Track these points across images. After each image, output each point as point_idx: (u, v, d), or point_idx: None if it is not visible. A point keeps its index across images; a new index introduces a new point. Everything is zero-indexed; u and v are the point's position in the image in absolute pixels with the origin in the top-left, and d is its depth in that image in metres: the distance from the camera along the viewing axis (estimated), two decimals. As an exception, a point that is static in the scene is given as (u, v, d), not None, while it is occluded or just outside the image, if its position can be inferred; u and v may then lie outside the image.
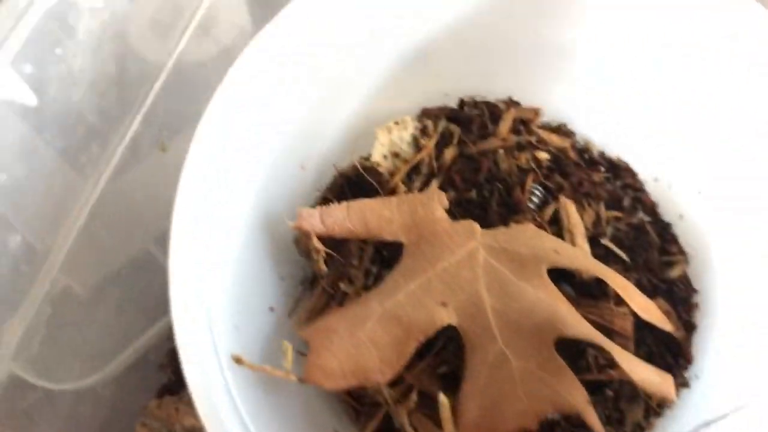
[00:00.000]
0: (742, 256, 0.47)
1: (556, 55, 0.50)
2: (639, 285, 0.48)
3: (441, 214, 0.46)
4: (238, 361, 0.38)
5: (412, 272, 0.43)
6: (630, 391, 0.46)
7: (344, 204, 0.44)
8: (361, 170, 0.47)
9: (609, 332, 0.44)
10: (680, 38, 0.45)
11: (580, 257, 0.45)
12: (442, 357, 0.44)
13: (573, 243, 0.48)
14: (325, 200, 0.49)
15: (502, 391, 0.39)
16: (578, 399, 0.39)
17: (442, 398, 0.40)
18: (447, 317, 0.41)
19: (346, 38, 0.47)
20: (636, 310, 0.44)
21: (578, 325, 0.40)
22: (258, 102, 0.43)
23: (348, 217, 0.44)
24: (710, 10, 0.44)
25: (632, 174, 0.53)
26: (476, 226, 0.45)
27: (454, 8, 0.48)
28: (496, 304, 0.41)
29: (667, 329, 0.46)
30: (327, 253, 0.45)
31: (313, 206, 0.49)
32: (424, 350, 0.43)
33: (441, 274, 0.43)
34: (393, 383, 0.42)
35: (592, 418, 0.38)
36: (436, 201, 0.46)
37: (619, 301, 0.45)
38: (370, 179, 0.47)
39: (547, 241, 0.45)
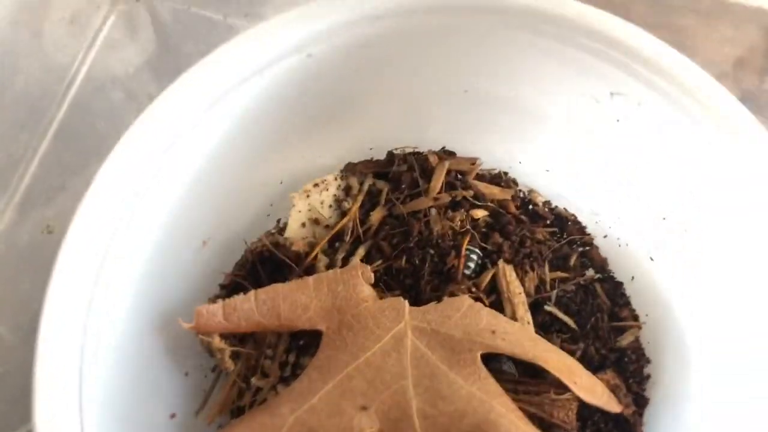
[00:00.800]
0: (700, 325, 0.43)
1: (492, 103, 0.46)
2: (586, 356, 0.44)
3: (365, 292, 0.41)
4: None
5: (331, 367, 0.39)
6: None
7: (251, 293, 0.39)
8: (271, 248, 0.42)
9: (549, 425, 0.40)
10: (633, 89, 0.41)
11: (518, 338, 0.41)
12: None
13: (513, 314, 0.44)
14: (234, 281, 0.44)
15: None
16: None
17: None
18: (368, 425, 0.37)
19: (254, 91, 0.42)
20: (580, 394, 0.40)
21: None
22: (149, 174, 0.38)
23: (256, 309, 0.39)
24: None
25: (580, 228, 0.48)
26: (404, 304, 0.41)
27: (378, 55, 0.43)
28: (423, 406, 0.37)
29: (614, 411, 0.42)
30: (235, 347, 0.41)
31: (220, 287, 0.44)
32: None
33: (363, 368, 0.39)
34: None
35: None
36: (359, 277, 0.41)
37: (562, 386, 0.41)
38: (281, 257, 0.42)
39: (484, 318, 0.41)
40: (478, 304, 0.42)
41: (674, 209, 0.42)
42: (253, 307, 0.39)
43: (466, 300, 0.42)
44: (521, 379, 0.43)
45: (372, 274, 0.42)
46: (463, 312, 0.41)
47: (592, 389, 0.41)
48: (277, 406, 0.38)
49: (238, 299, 0.39)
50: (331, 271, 0.43)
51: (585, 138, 0.44)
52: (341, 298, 0.41)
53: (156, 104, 0.38)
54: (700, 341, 0.42)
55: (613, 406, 0.41)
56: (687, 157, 0.39)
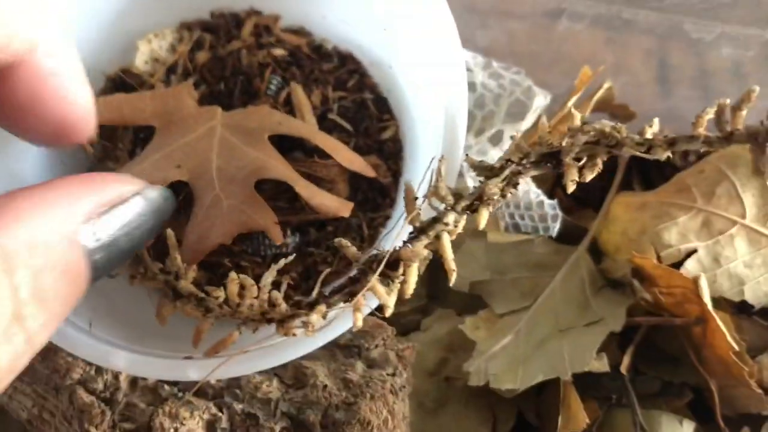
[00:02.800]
0: (423, 121, 0.58)
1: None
2: (357, 147, 0.59)
3: (190, 103, 0.56)
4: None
5: (159, 147, 0.54)
6: (345, 226, 0.58)
7: (101, 99, 0.55)
8: (121, 74, 0.59)
9: (317, 179, 0.56)
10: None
11: (298, 126, 0.56)
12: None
13: (302, 118, 0.60)
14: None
15: (213, 222, 0.51)
16: (267, 221, 0.51)
17: (169, 232, 0.49)
18: (179, 175, 0.52)
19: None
20: (342, 162, 0.56)
21: (276, 170, 0.52)
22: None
23: (105, 109, 0.55)
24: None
25: (357, 62, 0.63)
26: (219, 109, 0.55)
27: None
28: (220, 164, 0.52)
29: (370, 175, 0.57)
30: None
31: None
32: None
33: (182, 147, 0.53)
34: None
35: (275, 231, 0.51)
36: (186, 93, 0.57)
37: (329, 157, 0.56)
38: (130, 81, 0.59)
39: (276, 116, 0.56)
40: (275, 110, 0.57)
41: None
42: (102, 108, 0.54)
43: (265, 107, 0.56)
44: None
45: (195, 92, 0.58)
46: (262, 114, 0.55)
47: (352, 160, 0.56)
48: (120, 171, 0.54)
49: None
50: (163, 88, 0.60)
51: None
52: (171, 106, 0.55)
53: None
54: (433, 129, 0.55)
55: (368, 171, 0.57)
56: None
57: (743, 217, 0.65)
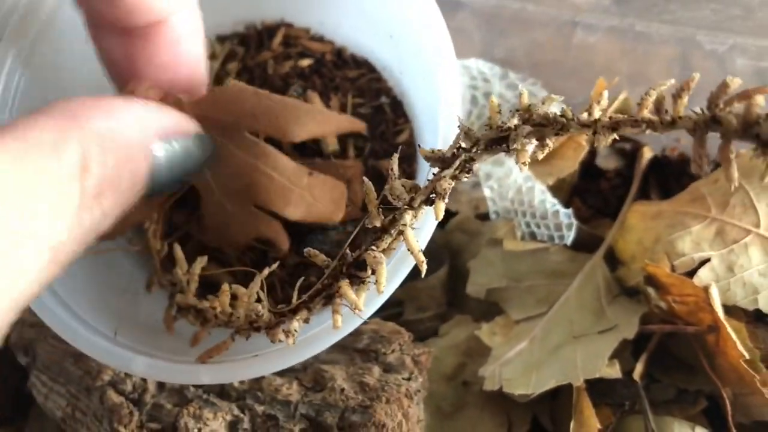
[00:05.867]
0: (428, 124, 0.57)
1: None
2: (374, 151, 0.59)
3: None
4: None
5: None
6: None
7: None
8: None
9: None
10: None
11: (274, 116, 0.49)
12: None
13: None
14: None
15: (224, 220, 0.51)
16: (273, 231, 0.51)
17: (176, 246, 0.50)
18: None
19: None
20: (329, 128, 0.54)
21: (268, 197, 0.49)
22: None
23: None
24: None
25: (372, 67, 0.63)
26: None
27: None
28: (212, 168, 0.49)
29: (361, 129, 0.57)
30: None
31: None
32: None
33: None
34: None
35: (282, 239, 0.50)
36: None
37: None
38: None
39: (247, 102, 0.47)
40: (246, 88, 0.49)
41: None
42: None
43: (235, 85, 0.49)
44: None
45: None
46: (228, 97, 0.48)
47: (339, 124, 0.56)
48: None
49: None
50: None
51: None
52: None
53: None
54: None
55: (359, 127, 0.57)
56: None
57: (757, 226, 0.63)
